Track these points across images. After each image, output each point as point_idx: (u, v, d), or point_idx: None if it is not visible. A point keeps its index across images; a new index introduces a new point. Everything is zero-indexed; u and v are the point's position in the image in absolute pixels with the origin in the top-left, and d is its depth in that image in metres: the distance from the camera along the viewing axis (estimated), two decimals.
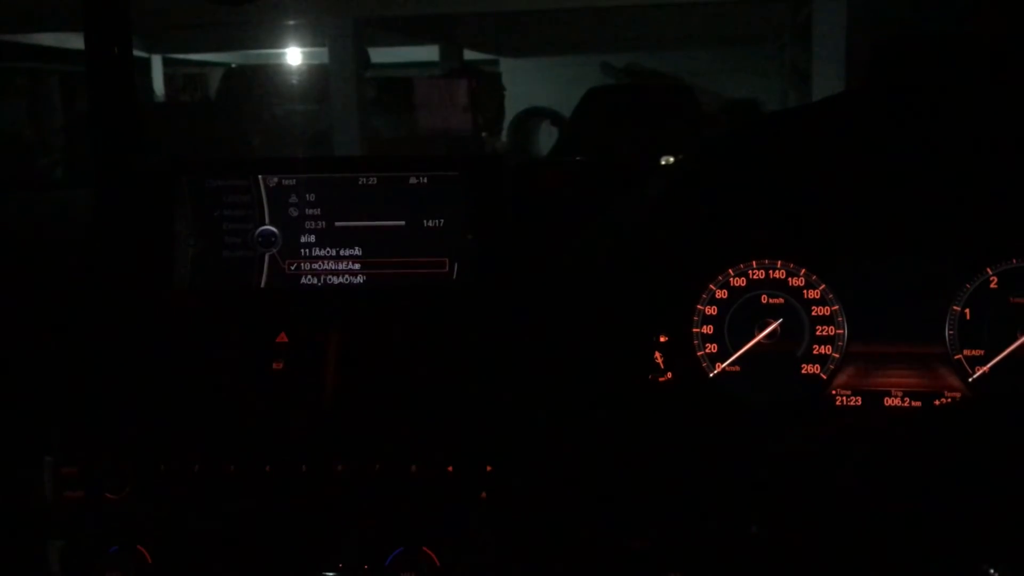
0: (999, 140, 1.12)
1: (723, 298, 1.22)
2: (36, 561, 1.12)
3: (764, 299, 1.22)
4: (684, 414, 1.20)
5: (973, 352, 1.18)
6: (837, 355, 1.20)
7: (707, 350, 1.22)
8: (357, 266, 1.18)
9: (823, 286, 1.21)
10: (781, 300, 1.21)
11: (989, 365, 1.18)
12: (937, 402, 1.18)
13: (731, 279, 1.22)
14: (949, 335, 1.19)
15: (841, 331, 1.20)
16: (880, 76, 1.19)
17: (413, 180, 1.17)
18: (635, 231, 1.18)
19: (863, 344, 1.20)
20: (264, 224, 1.19)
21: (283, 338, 1.14)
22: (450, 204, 1.17)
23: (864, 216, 1.19)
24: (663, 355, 1.21)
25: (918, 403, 1.19)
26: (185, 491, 1.09)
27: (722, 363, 1.22)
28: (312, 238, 1.19)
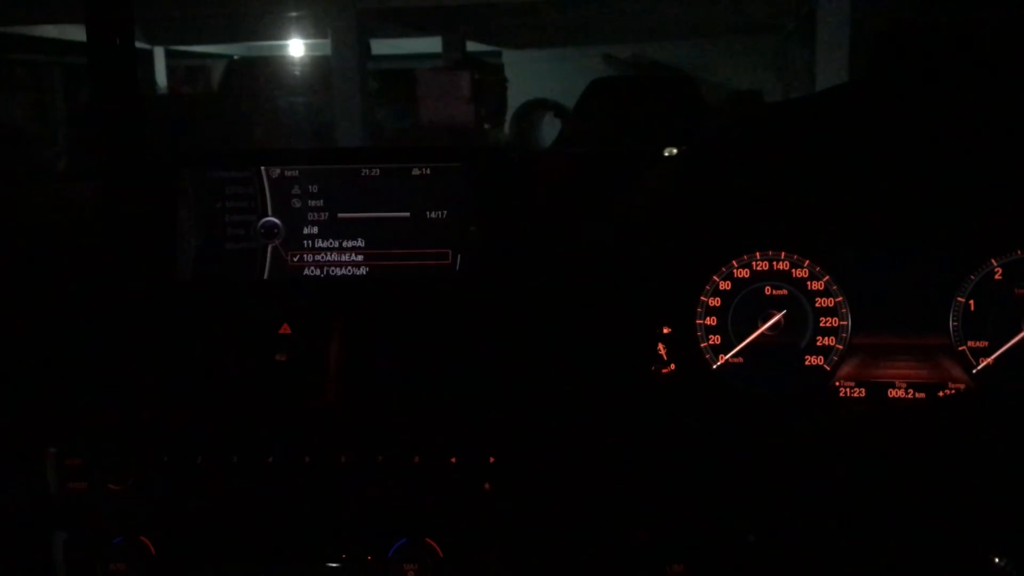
0: (1004, 131, 1.11)
1: (726, 289, 1.22)
2: (40, 552, 1.12)
3: (768, 290, 1.21)
4: (687, 406, 1.20)
5: (977, 344, 1.18)
6: (841, 346, 1.20)
7: (710, 341, 1.22)
8: (360, 257, 1.18)
9: (827, 277, 1.20)
10: (785, 291, 1.21)
11: (993, 357, 1.18)
12: (941, 394, 1.18)
13: (734, 270, 1.22)
14: (953, 326, 1.19)
15: (845, 322, 1.20)
16: (884, 66, 1.19)
17: (416, 171, 1.17)
18: (638, 223, 1.17)
19: (867, 335, 1.20)
20: (267, 216, 1.19)
21: (286, 330, 1.14)
22: (453, 196, 1.17)
23: (868, 207, 1.19)
24: (666, 347, 1.21)
25: (922, 395, 1.19)
26: (188, 482, 1.09)
27: (725, 355, 1.22)
28: (315, 229, 1.19)
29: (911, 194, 1.18)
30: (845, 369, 1.20)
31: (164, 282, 1.18)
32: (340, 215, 1.18)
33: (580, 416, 1.11)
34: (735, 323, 1.22)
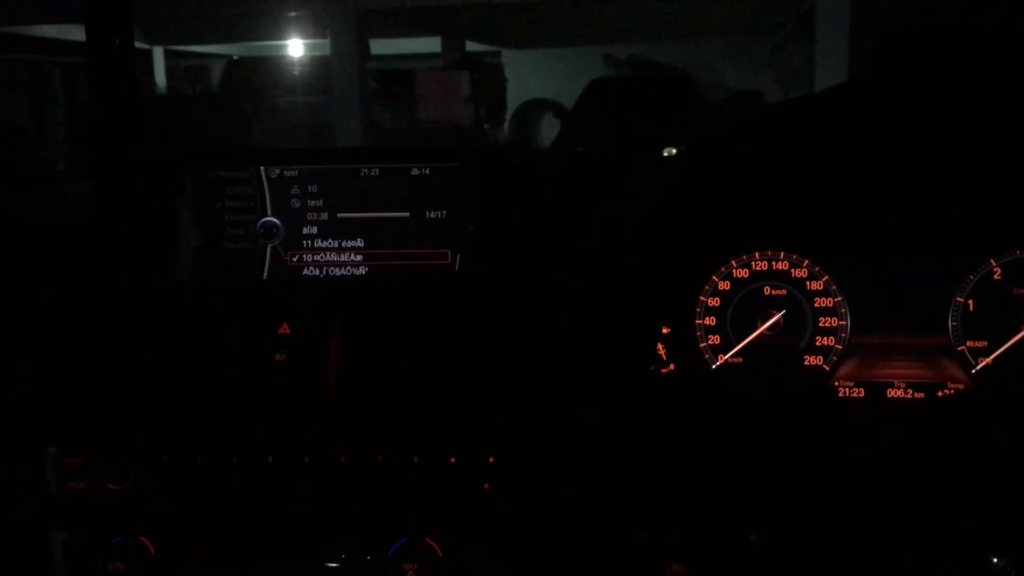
0: (1003, 131, 1.11)
1: (726, 289, 1.22)
2: (39, 553, 1.12)
3: (767, 290, 1.21)
4: (687, 406, 1.20)
5: (976, 343, 1.18)
6: (840, 346, 1.20)
7: (710, 342, 1.22)
8: (359, 257, 1.18)
9: (826, 277, 1.20)
10: (784, 291, 1.21)
11: (992, 356, 1.18)
12: (940, 394, 1.18)
13: (734, 270, 1.22)
14: (952, 326, 1.19)
15: (844, 322, 1.20)
16: (883, 67, 1.19)
17: (415, 171, 1.17)
18: (637, 222, 1.17)
19: (866, 335, 1.20)
20: (266, 215, 1.19)
21: (285, 329, 1.14)
22: (452, 195, 1.17)
23: (867, 207, 1.19)
24: (666, 347, 1.21)
25: (921, 395, 1.19)
26: (188, 482, 1.09)
27: (725, 355, 1.22)
28: (314, 229, 1.19)
29: (910, 194, 1.18)
30: (844, 369, 1.20)
31: (164, 282, 1.18)
32: (339, 215, 1.18)
33: (580, 416, 1.11)
34: (734, 323, 1.22)
